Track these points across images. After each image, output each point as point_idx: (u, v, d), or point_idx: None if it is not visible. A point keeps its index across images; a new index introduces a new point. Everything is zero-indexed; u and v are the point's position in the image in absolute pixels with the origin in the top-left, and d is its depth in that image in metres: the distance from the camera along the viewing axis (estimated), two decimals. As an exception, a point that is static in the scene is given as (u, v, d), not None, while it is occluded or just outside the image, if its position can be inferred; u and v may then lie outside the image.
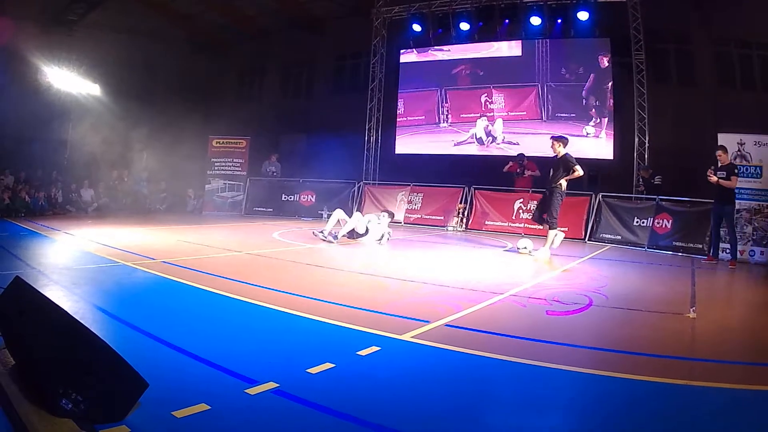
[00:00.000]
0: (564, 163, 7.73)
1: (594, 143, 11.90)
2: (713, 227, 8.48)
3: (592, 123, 12.01)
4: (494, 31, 13.06)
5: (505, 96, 13.08)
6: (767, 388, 2.86)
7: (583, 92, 12.12)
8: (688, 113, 11.73)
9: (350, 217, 8.81)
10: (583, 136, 11.87)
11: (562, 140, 8.01)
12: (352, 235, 8.62)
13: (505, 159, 12.47)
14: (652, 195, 10.53)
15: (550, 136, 8.39)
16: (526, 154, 12.11)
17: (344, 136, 14.50)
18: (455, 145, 13.63)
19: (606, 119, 11.97)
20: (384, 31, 14.61)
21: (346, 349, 3.13)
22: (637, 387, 2.77)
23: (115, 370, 2.12)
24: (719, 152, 8.24)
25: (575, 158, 7.88)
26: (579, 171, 7.64)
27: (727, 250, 8.43)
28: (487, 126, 13.22)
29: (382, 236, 8.76)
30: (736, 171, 8.17)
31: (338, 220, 8.65)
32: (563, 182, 7.70)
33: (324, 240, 8.37)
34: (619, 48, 11.79)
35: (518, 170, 12.03)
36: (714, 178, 8.06)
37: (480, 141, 13.32)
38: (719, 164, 8.19)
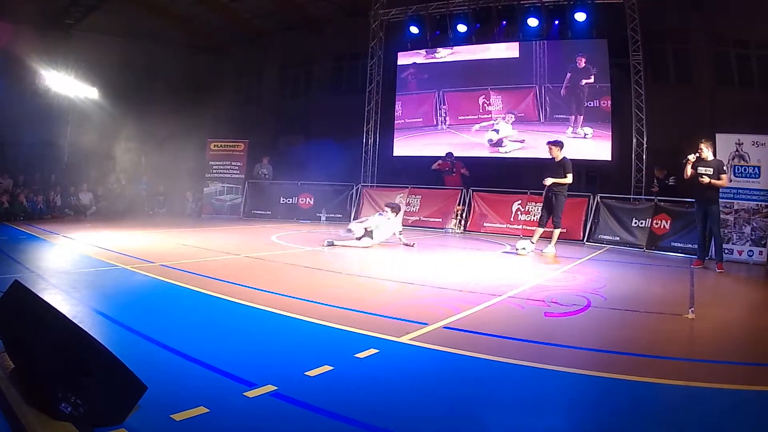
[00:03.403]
0: (564, 167, 8.16)
1: (593, 144, 11.91)
2: (701, 230, 7.69)
3: (574, 123, 12.11)
4: (491, 33, 13.10)
5: (503, 98, 13.09)
6: (767, 389, 2.86)
7: (579, 92, 12.17)
8: (686, 114, 11.72)
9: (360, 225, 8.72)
10: (581, 137, 11.88)
11: (559, 144, 8.40)
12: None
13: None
14: (666, 196, 10.31)
15: (546, 141, 8.76)
16: (453, 153, 12.57)
17: (342, 138, 14.49)
18: (491, 145, 13.09)
19: (582, 116, 12.04)
20: (381, 33, 14.61)
21: (344, 352, 3.13)
22: (636, 388, 2.77)
23: (114, 374, 2.12)
24: (703, 145, 7.47)
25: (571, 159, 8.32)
26: (569, 179, 8.15)
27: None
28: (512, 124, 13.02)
29: (394, 234, 8.80)
30: (725, 169, 7.68)
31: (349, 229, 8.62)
32: (561, 181, 8.14)
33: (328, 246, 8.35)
34: (616, 49, 11.79)
35: (448, 168, 12.38)
36: (705, 180, 7.33)
37: (500, 142, 13.01)
38: (699, 158, 7.45)
